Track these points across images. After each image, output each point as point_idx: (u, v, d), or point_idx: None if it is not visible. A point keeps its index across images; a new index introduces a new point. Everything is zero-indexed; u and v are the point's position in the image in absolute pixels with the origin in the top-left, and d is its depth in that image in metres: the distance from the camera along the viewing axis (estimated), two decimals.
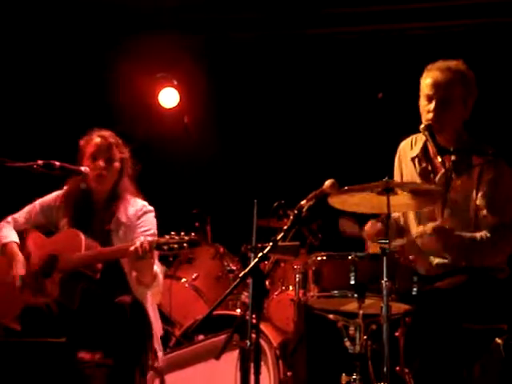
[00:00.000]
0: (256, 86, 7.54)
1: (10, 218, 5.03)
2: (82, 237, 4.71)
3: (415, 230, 4.45)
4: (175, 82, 7.54)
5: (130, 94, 7.42)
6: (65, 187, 5.03)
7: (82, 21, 7.26)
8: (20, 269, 4.81)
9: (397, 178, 4.64)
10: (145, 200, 5.02)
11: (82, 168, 4.79)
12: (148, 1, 7.03)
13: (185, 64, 7.39)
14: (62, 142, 7.08)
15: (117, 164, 4.92)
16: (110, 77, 7.41)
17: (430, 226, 4.30)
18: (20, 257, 4.85)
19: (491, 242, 4.28)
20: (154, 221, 4.95)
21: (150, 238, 4.65)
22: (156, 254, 4.74)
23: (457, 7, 6.85)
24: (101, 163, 4.85)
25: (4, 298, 4.80)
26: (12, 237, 4.94)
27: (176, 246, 4.55)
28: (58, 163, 4.60)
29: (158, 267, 4.78)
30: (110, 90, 7.42)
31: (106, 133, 4.98)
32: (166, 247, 4.56)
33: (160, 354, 4.85)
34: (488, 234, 4.28)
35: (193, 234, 4.62)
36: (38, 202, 5.04)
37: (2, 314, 4.73)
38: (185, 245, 4.55)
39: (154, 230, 4.90)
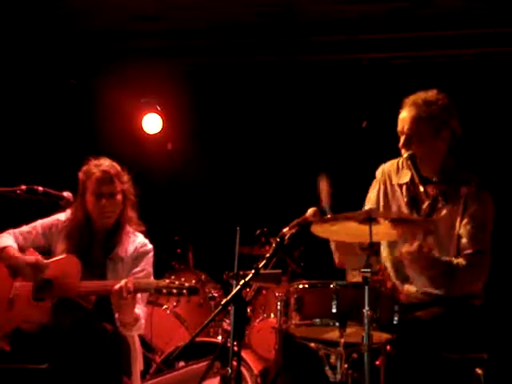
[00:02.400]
0: (240, 113, 7.57)
1: (10, 231, 4.94)
2: (80, 266, 4.68)
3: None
4: (159, 108, 7.57)
5: (114, 118, 7.43)
6: (66, 213, 4.98)
7: (66, 46, 7.27)
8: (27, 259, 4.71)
9: (374, 199, 4.64)
10: (145, 230, 5.02)
11: (65, 193, 4.67)
12: (132, 26, 7.04)
13: (168, 90, 7.41)
14: (46, 166, 7.13)
15: (119, 197, 4.89)
16: (94, 101, 7.42)
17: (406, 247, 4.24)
18: (20, 258, 4.74)
19: (467, 268, 4.27)
20: (151, 261, 4.94)
21: (143, 279, 4.69)
22: (145, 296, 4.78)
23: (443, 37, 6.90)
24: (104, 201, 4.83)
25: None
26: (11, 243, 4.83)
27: (175, 291, 4.57)
28: (41, 188, 4.53)
29: (141, 311, 4.76)
30: (93, 115, 7.43)
31: (105, 164, 4.91)
32: (165, 291, 4.57)
33: None
34: (464, 262, 4.29)
35: (193, 281, 4.64)
36: (40, 223, 4.98)
37: None
38: (184, 291, 4.57)
39: (149, 270, 4.89)
